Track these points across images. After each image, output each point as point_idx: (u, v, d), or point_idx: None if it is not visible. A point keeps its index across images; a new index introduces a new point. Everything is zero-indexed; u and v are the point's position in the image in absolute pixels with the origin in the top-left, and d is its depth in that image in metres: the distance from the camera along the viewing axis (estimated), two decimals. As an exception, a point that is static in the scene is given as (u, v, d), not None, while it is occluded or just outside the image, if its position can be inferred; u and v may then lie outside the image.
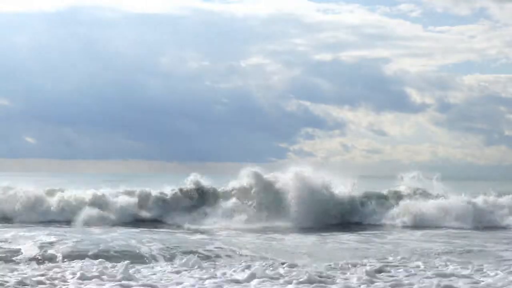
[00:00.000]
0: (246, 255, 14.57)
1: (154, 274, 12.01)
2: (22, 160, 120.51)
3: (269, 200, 24.96)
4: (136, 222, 23.64)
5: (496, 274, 11.99)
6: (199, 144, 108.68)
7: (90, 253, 14.06)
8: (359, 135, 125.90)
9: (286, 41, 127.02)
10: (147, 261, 13.74)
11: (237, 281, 11.17)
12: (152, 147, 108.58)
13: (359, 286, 11.00)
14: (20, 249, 14.28)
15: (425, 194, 26.86)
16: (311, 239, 18.70)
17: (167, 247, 15.43)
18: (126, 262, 12.25)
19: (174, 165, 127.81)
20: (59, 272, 11.70)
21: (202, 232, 20.38)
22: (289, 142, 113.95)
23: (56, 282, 10.94)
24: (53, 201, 24.64)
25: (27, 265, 12.73)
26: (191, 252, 14.70)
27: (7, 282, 10.81)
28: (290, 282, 11.08)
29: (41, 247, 14.49)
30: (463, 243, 17.79)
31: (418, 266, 13.13)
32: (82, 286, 10.74)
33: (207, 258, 14.27)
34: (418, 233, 21.15)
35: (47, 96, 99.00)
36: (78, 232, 18.87)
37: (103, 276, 11.27)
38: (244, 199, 25.24)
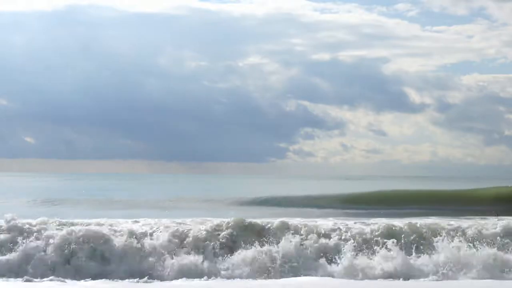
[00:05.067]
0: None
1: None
2: (21, 160, 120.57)
3: None
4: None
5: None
6: (199, 144, 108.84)
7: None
8: (358, 135, 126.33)
9: (283, 40, 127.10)
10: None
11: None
12: (152, 147, 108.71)
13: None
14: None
15: None
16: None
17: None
18: None
19: (174, 165, 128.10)
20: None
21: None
22: (289, 142, 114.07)
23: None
24: None
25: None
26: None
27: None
28: None
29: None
30: None
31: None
32: None
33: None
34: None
35: (46, 96, 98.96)
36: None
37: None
38: None
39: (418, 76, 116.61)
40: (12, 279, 11.24)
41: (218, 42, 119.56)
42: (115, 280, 11.30)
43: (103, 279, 11.24)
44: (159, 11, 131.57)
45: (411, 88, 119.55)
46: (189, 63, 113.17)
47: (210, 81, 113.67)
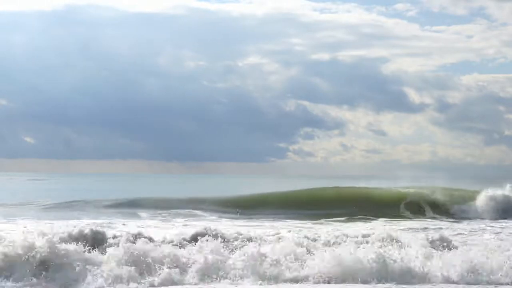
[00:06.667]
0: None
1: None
2: (21, 160, 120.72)
3: None
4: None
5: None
6: (199, 144, 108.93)
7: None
8: (358, 135, 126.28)
9: (283, 40, 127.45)
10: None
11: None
12: (152, 147, 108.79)
13: None
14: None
15: None
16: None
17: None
18: None
19: (174, 165, 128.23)
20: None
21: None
22: (289, 142, 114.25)
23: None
24: None
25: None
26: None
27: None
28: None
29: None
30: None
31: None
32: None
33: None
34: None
35: (46, 96, 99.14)
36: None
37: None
38: None
39: (418, 76, 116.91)
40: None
41: (218, 42, 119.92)
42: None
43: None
44: (158, 11, 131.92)
45: (410, 88, 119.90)
46: (189, 63, 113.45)
47: (209, 81, 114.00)
